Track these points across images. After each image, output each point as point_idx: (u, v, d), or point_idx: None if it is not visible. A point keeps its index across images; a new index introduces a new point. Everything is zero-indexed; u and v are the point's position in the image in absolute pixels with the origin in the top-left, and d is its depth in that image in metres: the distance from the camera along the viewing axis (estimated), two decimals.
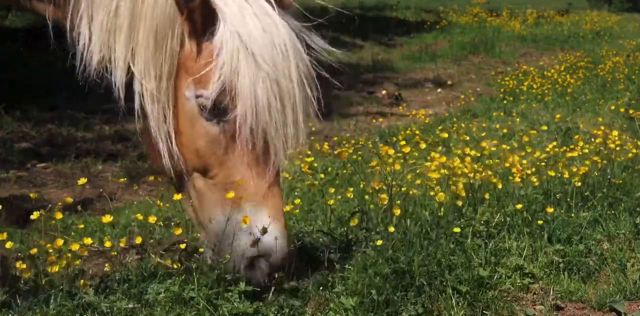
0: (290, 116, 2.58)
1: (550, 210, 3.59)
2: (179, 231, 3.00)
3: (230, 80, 2.51)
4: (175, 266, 2.85)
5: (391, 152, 3.71)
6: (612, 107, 8.24)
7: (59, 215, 2.72)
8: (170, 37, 2.57)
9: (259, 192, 2.59)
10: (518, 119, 8.69)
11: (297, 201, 2.95)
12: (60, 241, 2.65)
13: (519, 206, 3.60)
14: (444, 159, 3.88)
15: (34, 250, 2.69)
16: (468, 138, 4.95)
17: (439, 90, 11.91)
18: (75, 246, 2.69)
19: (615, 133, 4.74)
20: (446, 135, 4.85)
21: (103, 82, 2.65)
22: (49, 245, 2.67)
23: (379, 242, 3.05)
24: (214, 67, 2.52)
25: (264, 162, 2.60)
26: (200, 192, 2.67)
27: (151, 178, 3.61)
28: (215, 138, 2.60)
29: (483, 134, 7.16)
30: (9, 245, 2.62)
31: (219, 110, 2.55)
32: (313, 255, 3.05)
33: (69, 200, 2.91)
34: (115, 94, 2.63)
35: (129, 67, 2.61)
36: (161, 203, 3.25)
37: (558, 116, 6.80)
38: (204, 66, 2.55)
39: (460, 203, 3.64)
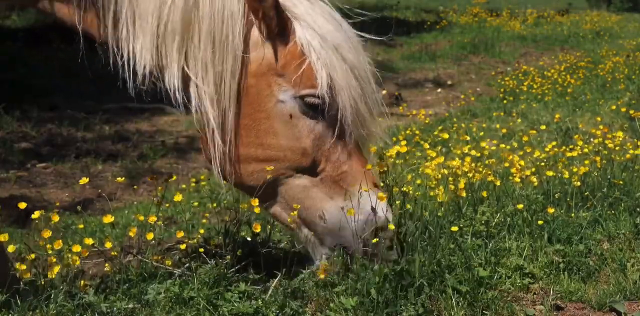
0: (373, 102, 2.74)
1: (551, 210, 3.59)
2: (181, 234, 2.99)
3: (330, 75, 2.60)
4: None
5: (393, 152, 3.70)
6: (612, 107, 8.24)
7: (56, 217, 2.70)
8: (231, 38, 2.55)
9: (364, 175, 2.72)
10: (519, 119, 8.69)
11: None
12: (58, 244, 2.64)
13: (520, 206, 3.60)
14: (441, 159, 3.88)
15: (32, 256, 2.68)
16: (468, 138, 4.95)
17: (439, 90, 11.92)
18: (76, 248, 2.68)
19: (620, 133, 4.73)
20: (447, 135, 4.87)
21: (155, 88, 2.62)
22: (48, 246, 2.66)
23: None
24: (312, 66, 2.59)
25: (361, 147, 2.76)
26: (305, 191, 2.68)
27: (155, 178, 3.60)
28: (321, 134, 2.67)
29: (482, 134, 7.16)
30: (11, 248, 2.62)
31: (326, 106, 2.62)
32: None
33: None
34: (172, 100, 2.60)
35: (183, 72, 2.57)
36: (159, 203, 3.23)
37: (557, 116, 6.80)
38: (298, 66, 2.59)
39: (464, 194, 3.62)
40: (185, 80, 2.59)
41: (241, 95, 2.60)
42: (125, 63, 2.58)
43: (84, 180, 2.91)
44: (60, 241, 2.66)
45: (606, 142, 4.56)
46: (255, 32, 2.61)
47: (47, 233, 2.61)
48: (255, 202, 2.78)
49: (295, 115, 2.63)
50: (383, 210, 2.72)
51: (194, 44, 2.54)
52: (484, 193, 3.80)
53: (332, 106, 2.64)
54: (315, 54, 2.60)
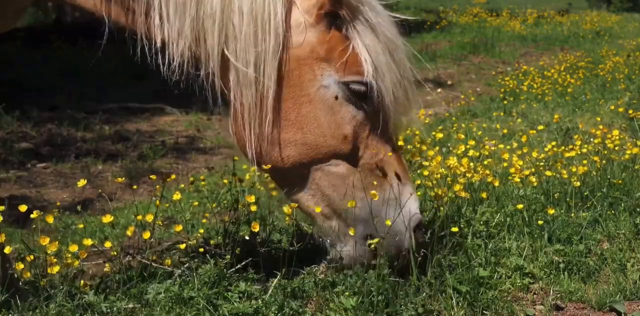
0: (410, 87, 2.72)
1: (551, 211, 3.58)
2: (179, 228, 2.99)
3: (374, 62, 2.58)
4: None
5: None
6: (612, 107, 8.24)
7: (50, 219, 2.69)
8: (272, 17, 2.50)
9: (399, 165, 2.72)
10: (519, 119, 8.69)
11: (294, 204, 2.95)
12: (54, 246, 2.62)
13: (520, 206, 3.60)
14: (439, 159, 3.87)
15: (31, 257, 2.67)
16: (463, 136, 4.96)
17: (439, 90, 11.90)
18: (74, 248, 2.67)
19: (615, 132, 4.73)
20: (441, 135, 4.86)
21: (188, 77, 2.58)
22: (48, 245, 2.65)
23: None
24: (357, 51, 2.57)
25: (396, 135, 2.74)
26: (341, 178, 2.64)
27: (153, 177, 3.59)
28: (362, 121, 2.64)
29: (480, 134, 7.16)
30: (7, 250, 2.61)
31: (370, 93, 2.59)
32: (313, 254, 3.05)
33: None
34: (207, 85, 2.56)
35: (222, 55, 2.53)
36: (159, 202, 3.23)
37: (557, 116, 6.79)
38: (343, 51, 2.57)
39: (463, 194, 3.62)
40: (224, 63, 2.55)
41: (281, 77, 2.56)
42: (160, 51, 2.54)
43: (82, 182, 2.89)
44: (57, 242, 2.64)
45: (606, 141, 4.55)
46: (295, 14, 2.57)
47: (45, 240, 2.59)
48: (252, 198, 2.80)
49: (339, 101, 2.60)
50: (416, 205, 2.73)
51: (235, 25, 2.50)
52: (484, 195, 3.80)
53: (375, 93, 2.61)
54: (359, 39, 2.58)
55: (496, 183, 3.92)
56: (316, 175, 2.65)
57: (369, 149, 2.66)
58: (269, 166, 2.64)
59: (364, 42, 2.58)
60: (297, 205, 2.73)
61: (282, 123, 2.58)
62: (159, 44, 2.55)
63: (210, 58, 2.54)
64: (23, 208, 2.70)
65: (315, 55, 2.58)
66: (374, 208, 2.66)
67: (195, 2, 2.49)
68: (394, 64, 2.64)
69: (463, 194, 3.55)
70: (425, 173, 3.58)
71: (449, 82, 12.72)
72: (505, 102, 10.18)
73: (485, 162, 4.45)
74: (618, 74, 11.83)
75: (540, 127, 6.86)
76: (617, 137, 4.65)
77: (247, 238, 3.01)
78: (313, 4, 2.57)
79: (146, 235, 2.85)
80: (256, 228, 2.85)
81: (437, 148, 5.09)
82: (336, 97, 2.59)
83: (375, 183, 2.66)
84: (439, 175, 3.68)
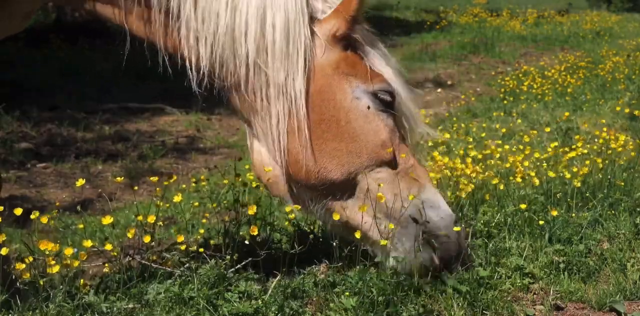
0: (415, 97, 2.94)
1: (554, 213, 3.58)
2: (181, 238, 2.98)
3: (390, 72, 2.81)
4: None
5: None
6: (617, 108, 8.23)
7: (45, 220, 2.67)
8: (302, 34, 2.63)
9: (421, 166, 2.88)
10: (519, 120, 8.69)
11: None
12: (51, 245, 2.60)
13: (523, 206, 3.60)
14: (445, 160, 3.88)
15: (30, 258, 2.66)
16: (471, 139, 4.96)
17: (439, 90, 11.90)
18: (69, 251, 2.64)
19: (612, 132, 4.73)
20: (448, 135, 4.87)
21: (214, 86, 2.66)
22: (47, 247, 2.64)
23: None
24: (374, 64, 2.78)
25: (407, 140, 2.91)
26: (386, 184, 2.74)
27: (153, 179, 3.59)
28: (392, 128, 2.80)
29: (483, 135, 7.16)
30: (4, 251, 2.59)
31: (394, 101, 2.77)
32: (313, 254, 3.05)
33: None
34: (229, 94, 2.69)
35: (254, 63, 2.61)
36: (161, 203, 3.23)
37: (567, 114, 6.78)
38: (365, 67, 2.76)
39: (464, 194, 3.63)
40: (253, 73, 2.63)
41: (313, 93, 2.68)
42: (187, 61, 2.62)
43: (80, 182, 2.89)
44: (56, 245, 2.62)
45: (610, 142, 4.55)
46: (318, 33, 2.71)
47: (45, 245, 2.57)
48: (253, 208, 2.88)
49: (371, 110, 2.74)
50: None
51: (268, 36, 2.60)
52: (487, 197, 3.80)
53: (396, 101, 2.80)
54: (371, 57, 2.79)
55: (495, 182, 3.92)
56: (363, 185, 2.74)
57: (401, 154, 2.80)
58: (327, 177, 2.70)
59: (377, 59, 2.79)
60: (342, 218, 2.76)
61: (325, 135, 2.69)
62: (186, 54, 2.61)
63: (239, 68, 2.62)
64: (18, 211, 2.69)
65: (341, 71, 2.73)
66: (414, 209, 2.75)
67: (231, 12, 2.57)
68: (400, 75, 2.86)
69: (464, 195, 3.55)
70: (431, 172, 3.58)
71: (449, 82, 12.71)
72: (505, 102, 10.18)
73: (488, 162, 4.44)
74: (618, 74, 11.83)
75: (547, 129, 6.86)
76: (616, 136, 4.65)
77: (247, 242, 3.00)
78: (330, 27, 2.72)
79: (147, 239, 2.85)
80: (254, 231, 2.84)
81: (442, 147, 5.10)
82: (368, 107, 2.74)
83: (413, 186, 2.77)
84: (439, 176, 3.69)
